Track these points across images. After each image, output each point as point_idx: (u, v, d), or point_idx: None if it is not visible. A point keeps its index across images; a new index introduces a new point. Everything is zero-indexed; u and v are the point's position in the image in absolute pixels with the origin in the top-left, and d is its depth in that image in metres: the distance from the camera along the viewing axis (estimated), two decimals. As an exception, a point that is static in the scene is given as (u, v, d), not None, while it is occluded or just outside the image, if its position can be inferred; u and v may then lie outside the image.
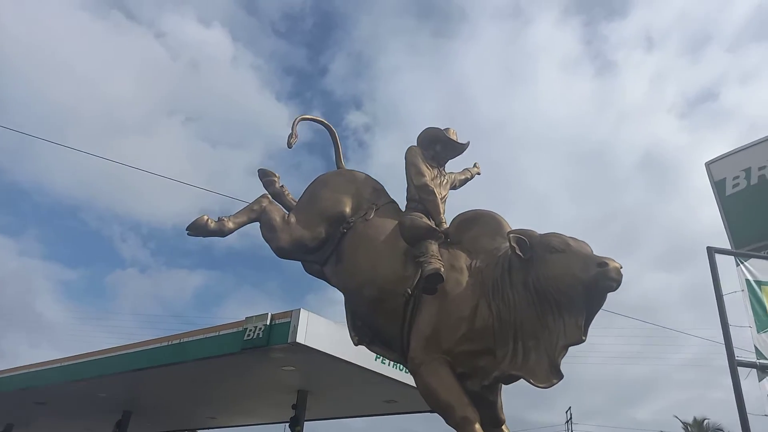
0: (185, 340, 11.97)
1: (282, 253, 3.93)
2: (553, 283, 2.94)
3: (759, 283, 4.88)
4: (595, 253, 2.99)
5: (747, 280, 4.89)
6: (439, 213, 3.75)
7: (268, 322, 10.75)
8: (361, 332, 3.83)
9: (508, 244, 3.39)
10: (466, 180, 4.42)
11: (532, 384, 2.95)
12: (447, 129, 4.08)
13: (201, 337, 11.70)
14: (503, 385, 3.29)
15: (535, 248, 3.09)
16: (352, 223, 3.84)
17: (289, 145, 4.20)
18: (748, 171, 10.66)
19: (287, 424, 13.10)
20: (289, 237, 3.86)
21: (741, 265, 4.98)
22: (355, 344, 3.84)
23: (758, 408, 4.40)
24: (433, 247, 3.39)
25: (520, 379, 3.06)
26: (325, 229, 3.87)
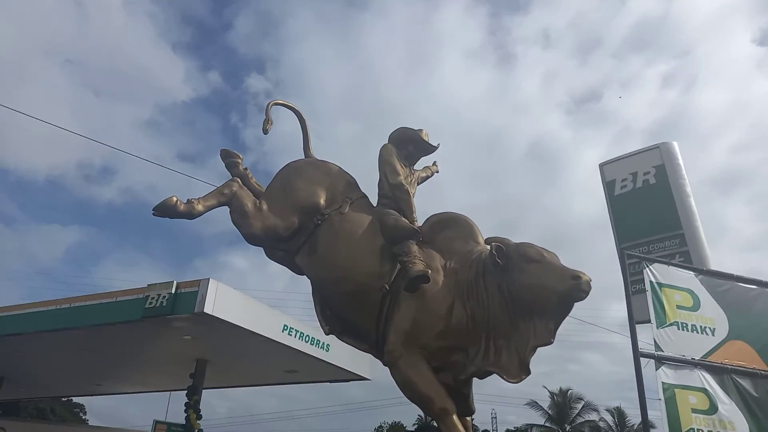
0: (76, 304, 11.16)
1: (253, 239, 3.88)
2: (528, 291, 3.23)
3: (660, 285, 5.63)
4: (564, 265, 3.32)
5: (651, 282, 5.61)
6: (413, 212, 3.90)
7: (173, 291, 10.34)
8: (332, 322, 3.91)
9: (480, 248, 3.65)
10: (427, 177, 4.59)
11: (504, 379, 3.24)
12: (420, 130, 4.22)
13: (96, 302, 10.97)
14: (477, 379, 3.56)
15: (510, 256, 3.36)
16: (326, 215, 3.87)
17: (265, 131, 4.11)
18: (635, 175, 11.90)
19: (184, 393, 12.80)
20: (262, 224, 3.81)
21: (647, 268, 5.69)
22: (326, 333, 3.92)
23: (653, 394, 5.15)
24: (414, 247, 3.54)
25: (492, 374, 3.35)
26: (298, 219, 3.87)
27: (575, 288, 3.11)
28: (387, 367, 3.52)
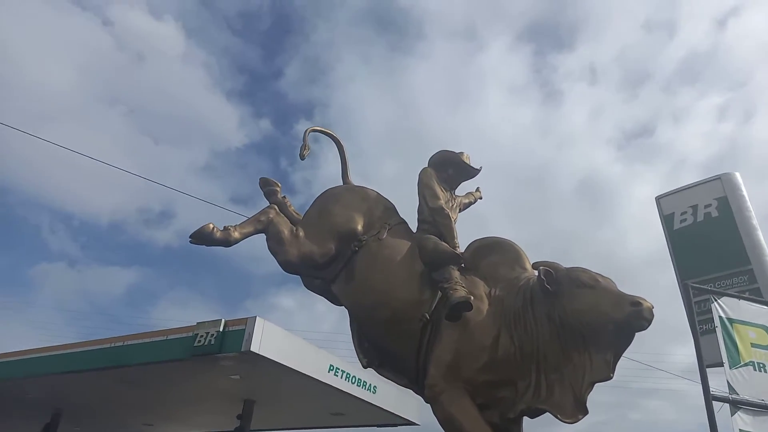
0: (129, 342, 11.36)
1: (289, 267, 3.79)
2: (582, 318, 2.97)
3: (731, 320, 5.16)
4: (622, 291, 3.04)
5: (720, 317, 5.15)
6: (454, 237, 3.73)
7: (221, 329, 10.37)
8: (370, 354, 3.73)
9: (528, 274, 3.42)
10: (470, 204, 4.42)
11: (559, 419, 2.95)
12: (461, 153, 4.08)
13: (147, 340, 11.14)
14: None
15: (561, 281, 3.11)
16: (364, 242, 3.76)
17: (302, 157, 4.08)
18: (695, 208, 11.30)
19: (231, 435, 12.65)
20: (298, 251, 3.72)
21: (715, 302, 5.24)
22: (364, 366, 3.74)
23: (728, 441, 4.64)
24: (456, 273, 3.36)
25: (545, 412, 3.06)
26: (335, 245, 3.77)
27: (635, 315, 2.83)
28: (428, 404, 3.29)
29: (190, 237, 3.62)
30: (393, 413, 12.78)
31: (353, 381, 11.90)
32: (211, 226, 3.62)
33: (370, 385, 12.11)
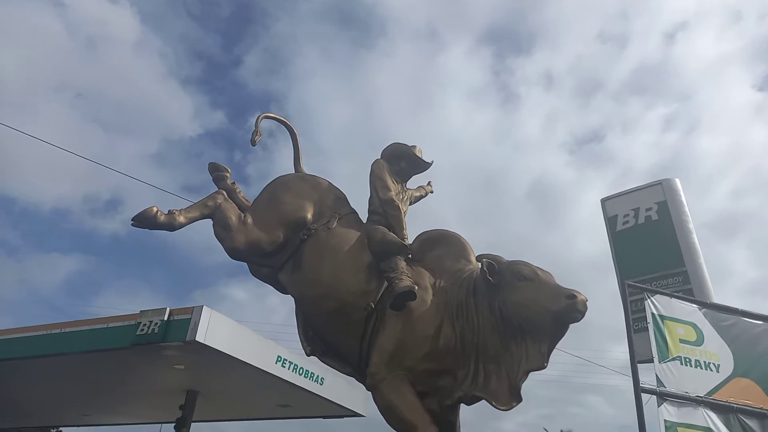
0: (67, 330, 10.93)
1: (235, 254, 3.74)
2: (520, 310, 3.07)
3: (662, 317, 5.43)
4: (560, 284, 3.16)
5: (653, 314, 5.41)
6: (403, 228, 3.77)
7: (165, 318, 10.12)
8: (314, 343, 3.73)
9: (472, 266, 3.50)
10: (421, 197, 4.47)
11: (494, 406, 3.04)
12: (413, 146, 4.12)
13: (86, 327, 10.74)
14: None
15: (503, 274, 3.20)
16: (313, 231, 3.74)
17: (253, 143, 4.02)
18: (637, 211, 11.77)
19: (173, 425, 12.39)
20: (245, 238, 3.67)
21: (648, 299, 5.50)
22: (308, 354, 3.74)
23: (653, 430, 4.89)
24: (402, 263, 3.40)
25: (481, 400, 3.15)
26: (284, 233, 3.74)
27: (570, 308, 2.95)
28: (369, 391, 3.32)
29: (132, 219, 3.52)
30: (339, 405, 12.80)
31: (300, 372, 11.84)
32: (155, 209, 3.53)
33: (317, 376, 12.08)
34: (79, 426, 16.12)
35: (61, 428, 16.73)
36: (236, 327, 10.76)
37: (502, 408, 3.02)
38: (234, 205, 3.86)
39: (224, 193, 3.88)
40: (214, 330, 9.96)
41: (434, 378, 3.20)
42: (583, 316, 2.98)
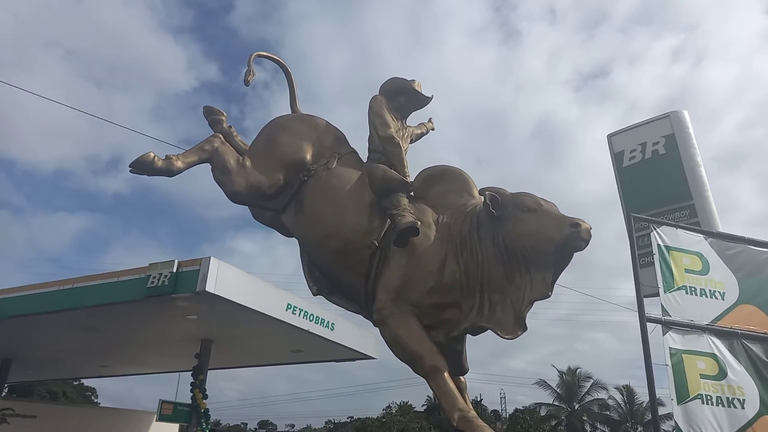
0: (78, 285, 11.10)
1: (236, 197, 3.71)
2: (524, 240, 3.05)
3: (668, 248, 5.41)
4: (563, 214, 3.12)
5: (658, 245, 5.39)
6: (404, 166, 3.71)
7: (174, 270, 10.23)
8: (320, 283, 3.75)
9: (475, 201, 3.46)
10: (422, 135, 4.39)
11: (499, 335, 3.07)
12: (412, 80, 4.01)
13: (97, 282, 10.91)
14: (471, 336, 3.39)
15: (506, 206, 3.17)
16: (313, 171, 3.70)
17: (246, 83, 3.92)
18: (644, 145, 11.58)
19: (190, 373, 12.77)
20: (245, 181, 3.63)
21: (654, 231, 5.47)
22: (314, 294, 3.76)
23: (660, 359, 4.96)
24: (404, 200, 3.36)
25: (487, 330, 3.18)
26: (283, 175, 3.70)
27: (574, 236, 2.92)
28: (376, 327, 3.36)
29: (130, 166, 3.48)
30: (351, 348, 13.11)
31: (311, 319, 12.05)
32: (152, 154, 3.48)
33: (328, 322, 12.31)
34: (101, 377, 16.63)
35: (83, 380, 17.27)
36: (245, 277, 10.88)
37: (507, 337, 3.05)
38: (232, 148, 3.81)
39: (221, 136, 3.82)
40: (224, 280, 10.08)
41: (440, 311, 3.22)
42: (587, 244, 2.95)
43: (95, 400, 33.37)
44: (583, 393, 31.78)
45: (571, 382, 31.73)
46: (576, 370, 32.17)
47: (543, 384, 32.14)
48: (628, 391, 31.39)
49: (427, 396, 33.21)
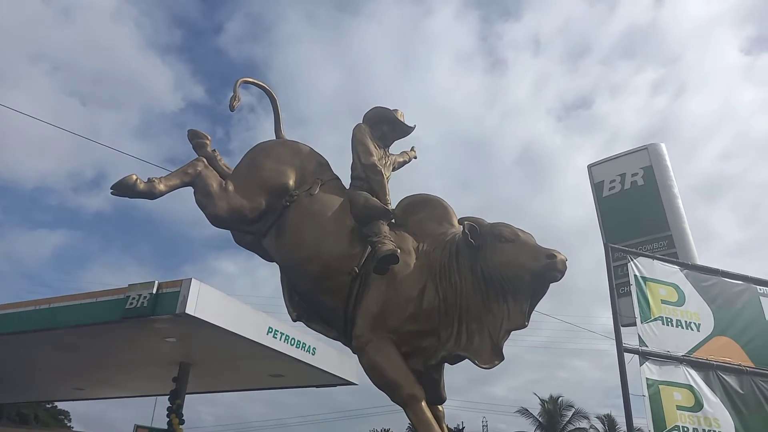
0: (55, 305, 10.90)
1: (218, 221, 3.72)
2: (501, 270, 3.10)
3: (644, 278, 5.52)
4: (540, 244, 3.18)
5: (635, 276, 5.49)
6: (386, 193, 3.76)
7: (154, 291, 10.11)
8: (300, 308, 3.75)
9: (454, 229, 3.52)
10: (404, 163, 4.45)
11: (477, 365, 3.09)
12: (395, 110, 4.09)
13: (74, 302, 10.72)
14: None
15: (484, 236, 3.22)
16: (295, 197, 3.73)
17: (232, 108, 3.95)
18: (623, 176, 11.84)
19: (167, 397, 12.52)
20: (227, 205, 3.65)
21: (631, 261, 5.57)
22: (294, 320, 3.76)
23: (637, 389, 5.01)
24: (385, 227, 3.40)
25: (464, 359, 3.20)
26: (266, 200, 3.72)
27: (550, 267, 2.98)
28: (355, 354, 3.36)
29: (112, 188, 3.47)
30: (332, 374, 12.97)
31: (292, 343, 11.93)
32: (134, 177, 3.49)
33: (309, 346, 12.19)
34: (75, 400, 16.22)
35: (55, 402, 16.83)
36: (226, 299, 10.78)
37: (484, 366, 3.08)
38: (215, 172, 3.82)
39: (204, 160, 3.83)
40: (204, 302, 9.98)
41: (418, 339, 3.24)
42: (562, 275, 3.01)
43: (68, 424, 32.44)
44: (564, 422, 31.65)
45: (553, 411, 31.61)
46: (558, 399, 32.11)
47: (525, 412, 31.99)
48: (609, 421, 31.31)
49: (408, 426, 32.82)
